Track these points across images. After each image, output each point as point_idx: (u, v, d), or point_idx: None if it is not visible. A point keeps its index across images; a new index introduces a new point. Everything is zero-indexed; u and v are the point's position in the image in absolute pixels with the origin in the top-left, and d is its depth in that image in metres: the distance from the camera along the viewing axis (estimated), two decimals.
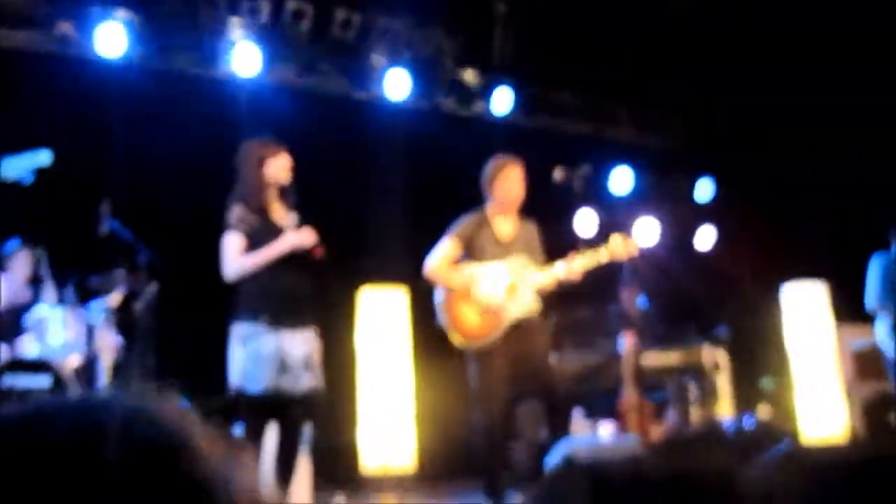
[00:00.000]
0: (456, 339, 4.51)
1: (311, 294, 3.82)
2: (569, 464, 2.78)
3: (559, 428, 4.29)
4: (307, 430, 4.07)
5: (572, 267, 4.44)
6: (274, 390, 3.58)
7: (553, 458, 3.06)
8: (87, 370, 5.42)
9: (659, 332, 6.72)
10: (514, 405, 4.60)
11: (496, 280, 4.49)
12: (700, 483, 2.74)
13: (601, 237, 4.71)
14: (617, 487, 2.73)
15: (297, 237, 3.74)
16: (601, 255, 4.49)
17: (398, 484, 5.42)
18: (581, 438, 3.67)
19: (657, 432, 5.77)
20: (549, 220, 4.98)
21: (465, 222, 4.62)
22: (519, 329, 4.41)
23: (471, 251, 4.57)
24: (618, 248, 4.50)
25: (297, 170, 4.05)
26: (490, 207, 4.62)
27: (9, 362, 5.02)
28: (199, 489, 0.58)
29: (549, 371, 4.56)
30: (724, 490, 2.74)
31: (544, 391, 4.42)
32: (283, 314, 3.67)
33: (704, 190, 8.88)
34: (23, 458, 0.56)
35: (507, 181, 4.58)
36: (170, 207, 6.45)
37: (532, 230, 4.64)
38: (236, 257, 3.79)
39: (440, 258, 4.58)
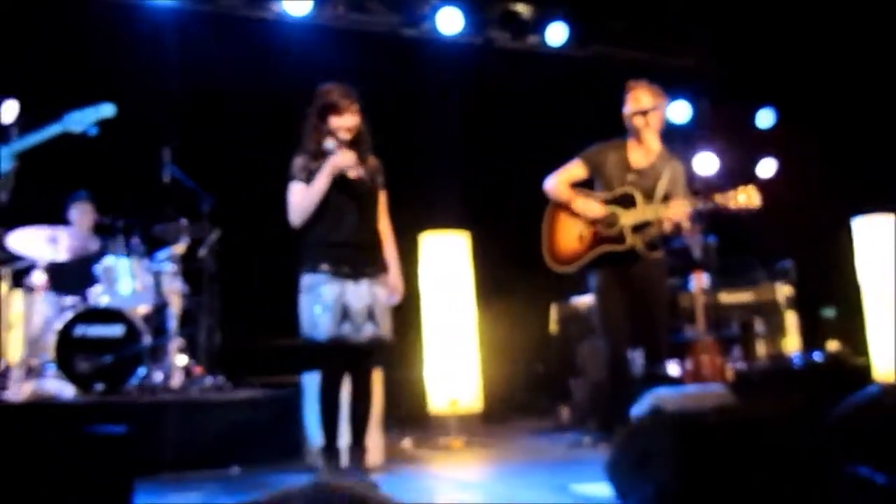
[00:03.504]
0: (546, 259, 4.50)
1: (372, 244, 3.77)
2: (656, 413, 2.77)
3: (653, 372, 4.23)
4: (377, 378, 4.09)
5: (682, 207, 4.21)
6: (337, 338, 3.58)
7: (639, 408, 3.03)
8: (157, 318, 5.51)
9: (724, 268, 6.60)
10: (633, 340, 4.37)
11: (601, 207, 4.39)
12: (786, 429, 2.70)
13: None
14: (705, 435, 2.70)
15: (334, 159, 3.65)
16: (723, 200, 4.21)
17: (465, 422, 5.48)
18: (667, 388, 3.62)
19: (728, 371, 5.71)
20: None
21: (596, 146, 4.54)
22: (633, 264, 4.32)
23: (600, 177, 4.49)
24: (742, 198, 4.20)
25: None
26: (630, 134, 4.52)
27: (82, 311, 5.10)
28: None
29: (660, 310, 4.38)
30: (810, 435, 2.70)
31: (650, 330, 4.31)
32: (343, 264, 3.66)
33: (765, 118, 8.61)
34: None
35: (628, 104, 4.46)
36: (229, 153, 6.46)
37: (674, 166, 4.42)
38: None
39: (559, 176, 4.53)
